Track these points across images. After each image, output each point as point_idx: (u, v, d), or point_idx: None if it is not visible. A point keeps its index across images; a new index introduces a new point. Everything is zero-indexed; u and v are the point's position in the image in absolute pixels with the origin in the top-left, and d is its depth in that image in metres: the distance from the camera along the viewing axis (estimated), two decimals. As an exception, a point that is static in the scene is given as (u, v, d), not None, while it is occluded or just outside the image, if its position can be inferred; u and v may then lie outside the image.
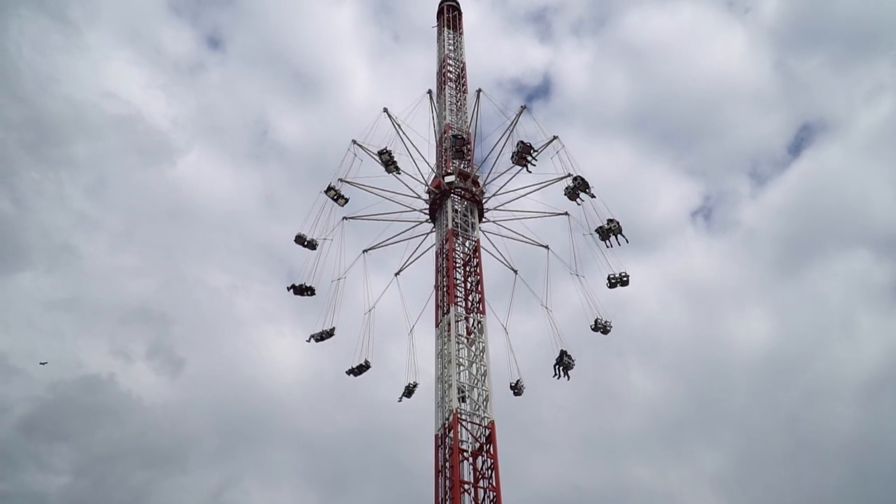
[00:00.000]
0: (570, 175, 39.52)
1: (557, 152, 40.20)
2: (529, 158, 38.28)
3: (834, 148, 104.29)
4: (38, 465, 66.65)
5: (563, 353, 39.09)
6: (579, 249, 40.60)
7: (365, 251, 42.57)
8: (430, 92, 44.72)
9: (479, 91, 43.95)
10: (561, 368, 39.05)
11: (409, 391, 40.91)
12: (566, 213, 41.14)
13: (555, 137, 40.71)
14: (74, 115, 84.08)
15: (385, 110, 42.15)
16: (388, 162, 39.28)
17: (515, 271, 42.05)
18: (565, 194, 39.02)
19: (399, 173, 39.95)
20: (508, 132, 41.19)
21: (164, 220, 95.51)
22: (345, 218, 41.68)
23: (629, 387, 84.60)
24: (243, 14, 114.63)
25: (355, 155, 40.84)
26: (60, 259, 78.98)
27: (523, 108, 42.10)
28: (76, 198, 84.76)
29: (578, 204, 38.99)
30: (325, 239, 40.72)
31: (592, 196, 38.62)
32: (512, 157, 38.74)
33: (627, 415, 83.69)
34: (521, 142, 38.50)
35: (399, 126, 41.78)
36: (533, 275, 42.32)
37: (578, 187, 38.48)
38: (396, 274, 42.58)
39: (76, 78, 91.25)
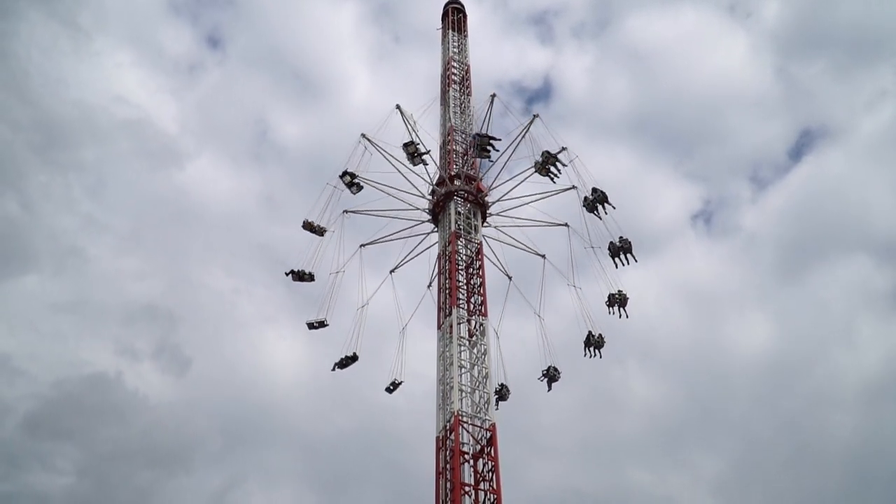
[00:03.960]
0: (574, 187, 39.36)
1: (571, 161, 39.35)
2: (553, 170, 37.73)
3: (835, 154, 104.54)
4: (42, 465, 66.81)
5: (549, 367, 40.07)
6: (578, 259, 40.72)
7: (362, 246, 42.28)
8: (398, 106, 43.18)
9: (493, 95, 43.65)
10: (547, 380, 40.16)
11: (393, 386, 41.00)
12: (566, 225, 41.32)
13: (535, 116, 40.77)
14: (83, 118, 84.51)
15: (397, 107, 42.00)
16: (413, 153, 38.85)
17: (510, 277, 42.31)
18: (584, 206, 38.26)
19: (425, 164, 39.64)
20: (519, 139, 41.07)
21: (170, 223, 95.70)
22: (345, 211, 41.45)
23: (629, 391, 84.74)
24: (243, 14, 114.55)
25: (365, 148, 40.65)
26: (67, 262, 79.22)
27: (535, 116, 41.82)
28: (83, 201, 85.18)
29: (599, 216, 38.03)
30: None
31: (613, 207, 37.68)
32: (535, 165, 38.23)
33: (627, 419, 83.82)
34: (547, 151, 37.85)
35: (414, 123, 41.79)
36: (531, 281, 42.58)
37: (598, 200, 37.65)
38: (392, 271, 42.41)
39: (85, 81, 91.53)
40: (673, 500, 75.02)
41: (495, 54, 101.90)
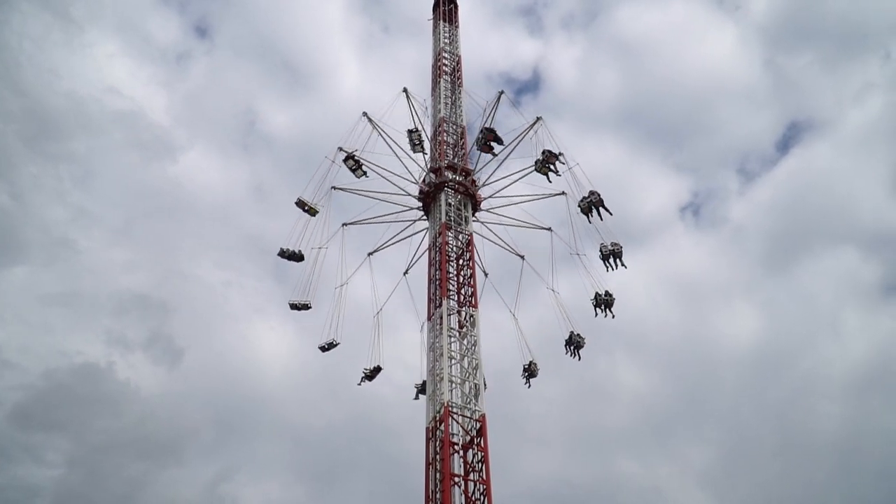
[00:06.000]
0: (563, 192, 39.15)
1: (536, 132, 39.21)
2: (493, 144, 37.51)
3: (822, 146, 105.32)
4: (32, 457, 66.34)
5: (571, 334, 38.98)
6: (578, 230, 39.73)
7: (370, 254, 42.77)
8: (405, 90, 43.33)
9: (500, 92, 42.80)
10: (572, 347, 38.98)
11: (422, 387, 39.88)
12: (563, 193, 40.06)
13: (538, 119, 40.11)
14: (74, 109, 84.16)
15: (364, 114, 41.84)
16: (353, 168, 39.70)
17: (522, 257, 41.78)
18: (536, 170, 38.06)
19: (366, 176, 40.13)
20: (490, 118, 40.87)
21: (161, 214, 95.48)
22: (344, 224, 41.95)
23: (618, 383, 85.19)
24: (231, 3, 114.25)
25: (333, 161, 40.66)
26: (58, 253, 78.81)
27: (501, 93, 41.58)
28: (74, 192, 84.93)
29: (550, 180, 38.09)
30: (320, 248, 40.96)
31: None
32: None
33: (616, 410, 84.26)
34: (485, 128, 37.84)
35: (380, 128, 41.67)
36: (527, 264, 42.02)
37: (547, 160, 37.37)
38: (405, 273, 42.56)
39: (77, 73, 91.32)
40: (661, 491, 75.16)
41: (484, 45, 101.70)
